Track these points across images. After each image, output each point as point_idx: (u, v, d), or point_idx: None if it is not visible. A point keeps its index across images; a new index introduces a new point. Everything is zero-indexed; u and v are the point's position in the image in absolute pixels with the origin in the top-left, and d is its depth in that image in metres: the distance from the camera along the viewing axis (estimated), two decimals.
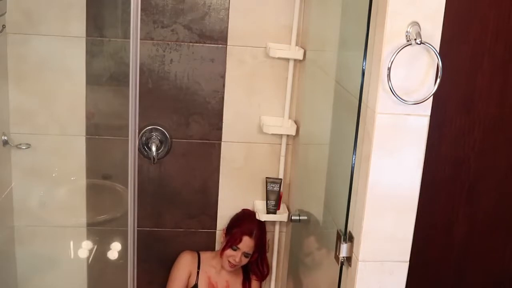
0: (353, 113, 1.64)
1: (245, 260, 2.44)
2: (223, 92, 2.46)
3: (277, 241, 2.62)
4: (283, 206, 2.53)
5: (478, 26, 1.77)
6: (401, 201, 1.58)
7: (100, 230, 2.55)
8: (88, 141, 2.43)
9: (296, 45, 2.41)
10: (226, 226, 2.52)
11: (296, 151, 2.49)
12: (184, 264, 2.50)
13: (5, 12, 2.25)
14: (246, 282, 2.54)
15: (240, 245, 2.40)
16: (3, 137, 2.34)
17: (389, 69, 1.45)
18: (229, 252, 2.41)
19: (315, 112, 2.26)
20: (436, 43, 1.48)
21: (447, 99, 1.79)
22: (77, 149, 2.44)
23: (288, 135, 2.49)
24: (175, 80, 2.42)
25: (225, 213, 2.58)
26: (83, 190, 2.51)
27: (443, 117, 1.81)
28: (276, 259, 2.64)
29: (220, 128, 2.49)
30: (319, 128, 2.19)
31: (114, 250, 2.49)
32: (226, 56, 2.42)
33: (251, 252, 2.44)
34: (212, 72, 2.43)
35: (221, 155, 2.52)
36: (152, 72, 2.40)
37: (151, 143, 2.44)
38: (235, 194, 2.57)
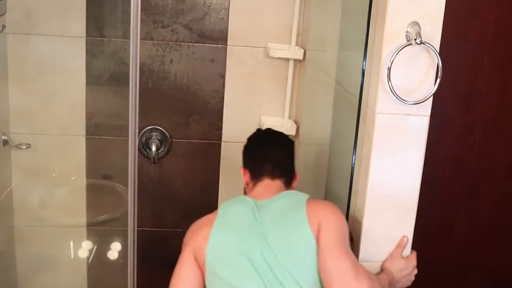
0: (353, 113, 1.64)
1: None
2: (223, 92, 2.46)
3: None
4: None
5: (478, 26, 1.77)
6: (401, 201, 1.58)
7: (100, 230, 2.55)
8: (88, 141, 2.44)
9: (296, 45, 2.41)
10: None
11: (296, 151, 2.49)
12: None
13: (5, 12, 2.25)
14: None
15: None
16: (3, 137, 2.34)
17: (389, 69, 1.45)
18: None
19: (315, 112, 2.26)
20: (436, 43, 1.48)
21: (447, 99, 1.79)
22: (77, 149, 2.44)
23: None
24: (175, 80, 2.42)
25: None
26: (83, 190, 2.51)
27: (443, 117, 1.80)
28: None
29: (220, 128, 2.49)
30: (319, 128, 2.19)
31: (114, 250, 2.49)
32: (226, 56, 2.42)
33: None
34: (212, 72, 2.43)
35: (221, 155, 2.52)
36: (152, 72, 2.40)
37: (151, 143, 2.45)
38: (235, 194, 2.55)
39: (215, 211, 1.61)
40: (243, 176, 1.76)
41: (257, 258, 1.46)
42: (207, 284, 1.52)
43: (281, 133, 1.84)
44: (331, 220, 1.48)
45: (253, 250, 1.48)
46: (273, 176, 1.68)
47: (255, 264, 1.46)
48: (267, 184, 1.67)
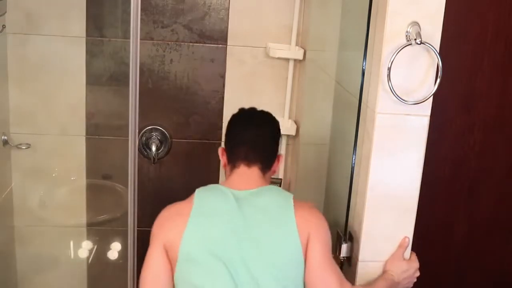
0: (353, 113, 1.64)
1: None
2: (223, 92, 2.46)
3: None
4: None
5: (478, 26, 1.77)
6: (401, 201, 1.58)
7: (100, 230, 2.55)
8: (88, 141, 2.43)
9: (296, 45, 2.41)
10: None
11: (296, 151, 2.49)
12: None
13: (5, 12, 2.25)
14: None
15: None
16: (3, 137, 2.34)
17: (389, 69, 1.45)
18: None
19: (315, 112, 2.26)
20: (436, 43, 1.48)
21: (447, 99, 1.79)
22: (77, 149, 2.44)
23: (288, 135, 2.49)
24: (175, 80, 2.42)
25: None
26: (83, 190, 2.51)
27: (443, 117, 1.81)
28: None
29: (220, 128, 2.49)
30: (319, 128, 2.19)
31: (114, 250, 2.49)
32: (226, 56, 2.42)
33: None
34: (212, 72, 2.43)
35: None
36: (152, 72, 2.40)
37: (151, 143, 2.44)
38: None
39: (188, 199, 1.54)
40: (221, 157, 1.69)
41: (234, 261, 1.43)
42: (175, 281, 1.46)
43: (263, 112, 1.74)
44: (320, 231, 1.49)
45: (231, 251, 1.44)
46: (248, 161, 1.60)
47: (230, 267, 1.42)
48: (243, 172, 1.60)
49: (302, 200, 1.57)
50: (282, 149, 2.52)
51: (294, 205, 1.51)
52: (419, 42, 1.42)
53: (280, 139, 1.74)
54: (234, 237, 1.46)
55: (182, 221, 1.47)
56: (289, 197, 1.55)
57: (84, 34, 2.33)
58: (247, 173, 1.60)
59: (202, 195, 1.54)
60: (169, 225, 1.49)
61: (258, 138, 1.64)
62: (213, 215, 1.49)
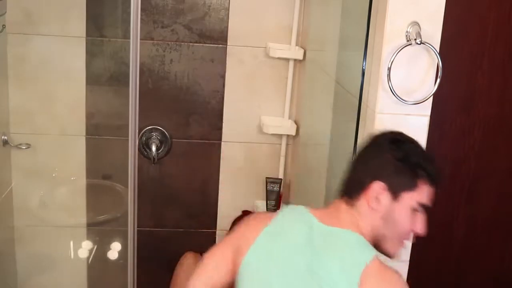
0: (353, 113, 1.64)
1: None
2: (223, 92, 2.46)
3: None
4: (283, 206, 2.52)
5: (478, 26, 1.77)
6: None
7: (100, 230, 2.55)
8: (88, 141, 2.43)
9: (296, 45, 2.41)
10: (229, 230, 2.51)
11: (296, 151, 2.49)
12: (188, 266, 2.50)
13: (5, 12, 2.25)
14: None
15: None
16: (3, 137, 2.34)
17: (389, 69, 1.45)
18: None
19: (315, 112, 2.26)
20: (436, 43, 1.48)
21: (447, 99, 1.79)
22: (77, 149, 2.44)
23: (288, 135, 2.49)
24: (175, 80, 2.42)
25: (225, 213, 2.58)
26: (83, 190, 2.51)
27: (443, 117, 1.80)
28: None
29: (220, 128, 2.49)
30: (319, 128, 2.19)
31: (114, 250, 2.49)
32: (226, 56, 2.42)
33: None
34: (212, 72, 2.43)
35: (221, 155, 2.52)
36: (152, 72, 2.40)
37: (151, 143, 2.45)
38: (235, 194, 2.57)
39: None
40: None
41: None
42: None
43: (375, 137, 1.41)
44: None
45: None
46: (340, 194, 1.40)
47: None
48: (334, 203, 1.41)
49: (386, 268, 1.27)
50: (282, 149, 2.52)
51: (361, 279, 1.22)
52: (419, 42, 1.43)
53: (393, 167, 1.32)
54: (294, 273, 1.29)
55: (255, 233, 1.36)
56: (362, 263, 1.24)
57: (84, 34, 2.33)
58: (334, 204, 1.41)
59: (284, 214, 1.42)
60: (244, 230, 1.40)
61: (350, 169, 1.40)
62: (280, 241, 1.34)
